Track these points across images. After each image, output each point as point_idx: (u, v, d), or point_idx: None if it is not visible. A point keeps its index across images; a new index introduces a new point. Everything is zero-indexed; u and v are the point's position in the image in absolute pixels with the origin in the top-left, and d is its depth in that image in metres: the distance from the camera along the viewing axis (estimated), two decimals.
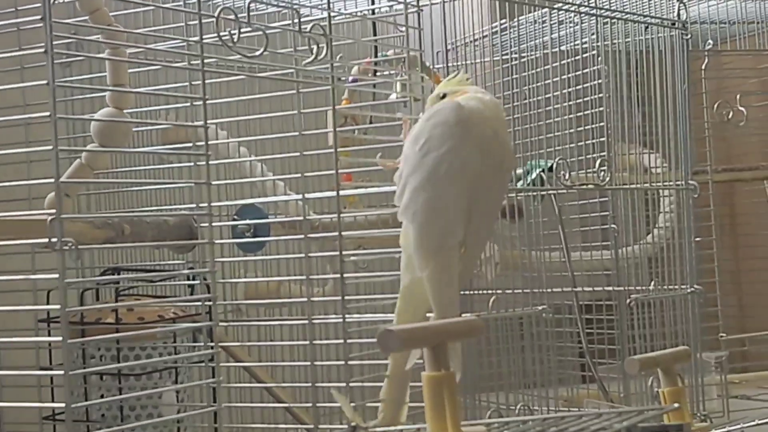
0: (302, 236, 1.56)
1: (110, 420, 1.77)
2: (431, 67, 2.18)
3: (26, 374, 1.44)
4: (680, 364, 1.64)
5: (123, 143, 1.53)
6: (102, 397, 1.77)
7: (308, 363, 1.55)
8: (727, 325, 2.66)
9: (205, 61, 1.45)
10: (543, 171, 2.13)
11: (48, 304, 1.71)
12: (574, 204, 2.36)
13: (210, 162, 1.73)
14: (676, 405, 1.42)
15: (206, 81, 1.45)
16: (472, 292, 1.99)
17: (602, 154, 2.10)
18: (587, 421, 1.19)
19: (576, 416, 1.24)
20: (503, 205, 2.09)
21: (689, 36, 2.21)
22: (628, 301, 2.09)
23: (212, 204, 1.69)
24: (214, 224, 1.71)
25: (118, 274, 1.85)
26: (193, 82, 1.57)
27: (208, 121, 1.42)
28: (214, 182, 1.45)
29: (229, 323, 1.76)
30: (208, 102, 1.57)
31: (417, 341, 1.18)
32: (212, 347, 1.36)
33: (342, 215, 1.56)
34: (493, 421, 1.26)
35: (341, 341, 1.50)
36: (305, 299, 1.56)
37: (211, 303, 1.62)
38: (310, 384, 1.55)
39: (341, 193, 1.58)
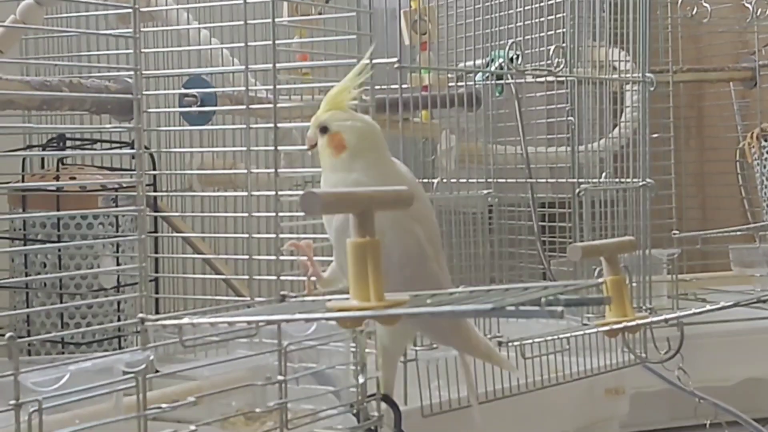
0: (244, 107, 1.54)
1: (50, 288, 1.77)
2: None
3: None
4: (624, 253, 1.63)
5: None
6: (44, 266, 1.77)
7: (246, 235, 1.54)
8: (688, 227, 2.67)
9: None
10: (504, 61, 2.12)
11: None
12: (535, 96, 2.34)
13: (153, 29, 1.72)
14: (600, 280, 1.41)
15: None
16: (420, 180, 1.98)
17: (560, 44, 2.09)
18: (512, 293, 1.18)
19: (502, 289, 1.24)
20: (461, 94, 2.09)
21: None
22: (577, 191, 2.08)
23: (157, 72, 1.69)
24: (158, 92, 1.70)
25: (64, 142, 1.84)
26: None
27: None
28: (148, 50, 1.43)
29: (168, 194, 1.75)
30: None
31: (341, 206, 1.16)
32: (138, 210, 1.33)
33: (284, 87, 1.56)
34: (419, 293, 1.25)
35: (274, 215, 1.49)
36: (245, 171, 1.55)
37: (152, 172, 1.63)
38: (247, 256, 1.55)
39: (287, 65, 1.58)
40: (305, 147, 1.40)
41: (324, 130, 1.35)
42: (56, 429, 1.14)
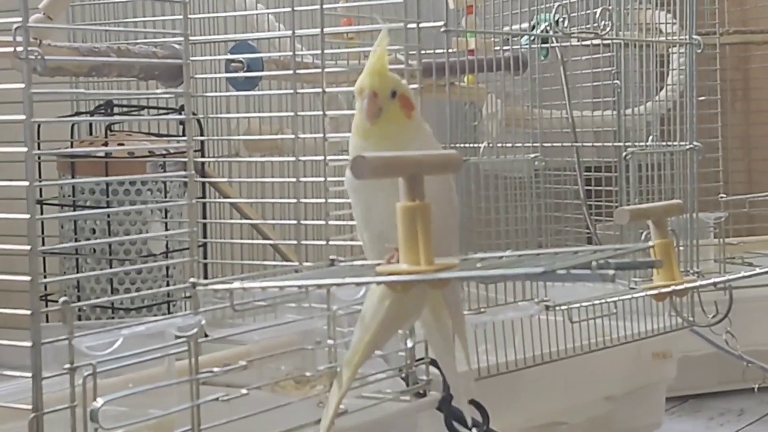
0: (290, 72, 1.54)
1: (99, 253, 1.78)
2: None
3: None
4: (672, 217, 1.63)
5: None
6: (93, 231, 1.78)
7: (294, 200, 1.54)
8: (734, 190, 2.65)
9: None
10: (550, 24, 2.11)
11: (39, 137, 1.71)
12: (580, 59, 2.33)
13: None
14: (649, 243, 1.41)
15: None
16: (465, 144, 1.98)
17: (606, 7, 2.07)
18: (562, 257, 1.18)
19: (552, 253, 1.23)
20: (507, 58, 2.08)
21: None
22: (624, 154, 2.07)
23: (204, 38, 1.70)
24: (205, 58, 1.70)
25: (112, 108, 1.85)
26: None
27: None
28: (194, 15, 1.43)
29: (216, 159, 1.76)
30: None
31: (389, 170, 1.16)
32: (189, 176, 1.33)
33: (331, 52, 1.55)
34: (468, 257, 1.26)
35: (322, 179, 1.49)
36: (293, 136, 1.55)
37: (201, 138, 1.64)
38: (295, 221, 1.55)
39: (334, 30, 1.57)
40: (366, 117, 1.26)
41: (393, 94, 1.26)
42: (109, 393, 1.15)
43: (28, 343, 1.11)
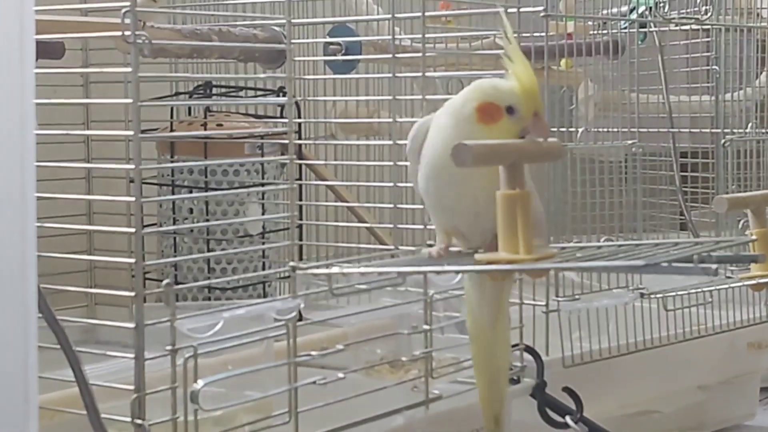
0: (389, 56, 1.54)
1: (197, 234, 1.80)
2: None
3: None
4: None
5: None
6: (191, 212, 1.80)
7: (391, 184, 1.55)
8: None
9: None
10: (648, 8, 2.09)
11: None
12: (679, 44, 2.31)
13: None
14: (753, 237, 1.39)
15: None
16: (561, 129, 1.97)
17: None
18: (661, 249, 1.17)
19: (651, 244, 1.23)
20: (605, 42, 2.06)
21: None
22: (722, 141, 2.05)
23: (303, 21, 1.70)
24: (305, 41, 1.71)
25: (210, 90, 1.86)
26: None
27: None
28: None
29: (314, 142, 1.77)
30: None
31: (492, 158, 1.16)
32: (289, 159, 1.34)
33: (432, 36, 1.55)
34: (566, 245, 1.25)
35: None
36: (390, 120, 1.55)
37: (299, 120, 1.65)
38: (392, 205, 1.55)
39: (435, 13, 1.57)
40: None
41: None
42: (207, 373, 1.16)
43: (131, 324, 1.12)
